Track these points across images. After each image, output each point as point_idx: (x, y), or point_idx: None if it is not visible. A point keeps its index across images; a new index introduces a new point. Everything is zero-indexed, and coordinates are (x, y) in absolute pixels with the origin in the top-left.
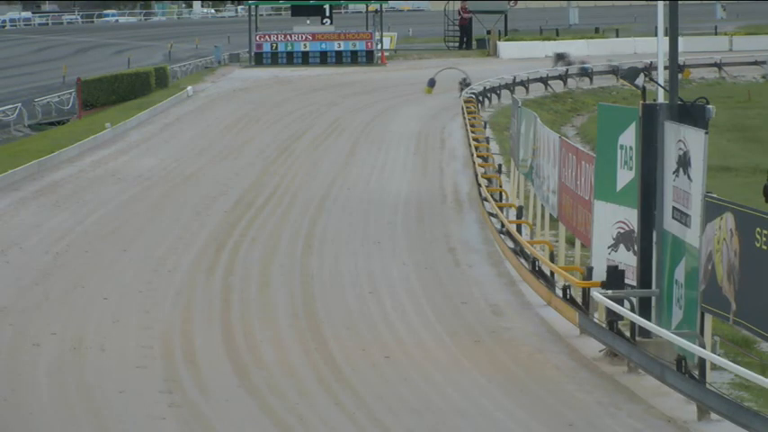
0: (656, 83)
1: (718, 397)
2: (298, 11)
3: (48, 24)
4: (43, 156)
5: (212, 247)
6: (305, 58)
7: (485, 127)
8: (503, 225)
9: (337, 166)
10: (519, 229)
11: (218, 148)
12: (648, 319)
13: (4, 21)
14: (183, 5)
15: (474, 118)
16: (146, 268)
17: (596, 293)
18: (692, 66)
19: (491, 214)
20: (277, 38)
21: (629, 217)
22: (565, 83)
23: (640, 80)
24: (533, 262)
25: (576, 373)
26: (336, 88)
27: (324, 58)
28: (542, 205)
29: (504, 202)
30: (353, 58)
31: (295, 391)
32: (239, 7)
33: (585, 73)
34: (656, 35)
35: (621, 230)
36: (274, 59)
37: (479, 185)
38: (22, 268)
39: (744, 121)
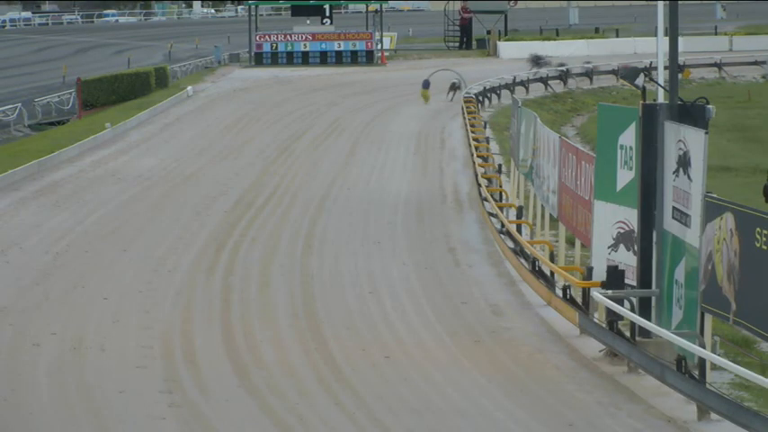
0: (656, 83)
1: (718, 397)
2: (298, 11)
3: (48, 24)
4: (43, 156)
5: (212, 247)
6: (305, 58)
7: (485, 127)
8: (503, 225)
9: (337, 166)
10: (519, 229)
11: (218, 148)
12: (648, 319)
13: (4, 21)
14: (183, 5)
15: (474, 118)
16: (146, 268)
17: (596, 293)
18: (692, 66)
19: (491, 214)
20: (277, 38)
21: (629, 217)
22: (565, 83)
23: (640, 80)
24: (533, 262)
25: (575, 373)
26: (336, 88)
27: (324, 58)
28: (542, 205)
29: (504, 202)
30: (353, 58)
31: (295, 391)
32: (239, 7)
33: (566, 74)
34: (656, 35)
35: (621, 230)
36: (274, 59)
37: (479, 185)
38: (22, 268)
39: (744, 121)
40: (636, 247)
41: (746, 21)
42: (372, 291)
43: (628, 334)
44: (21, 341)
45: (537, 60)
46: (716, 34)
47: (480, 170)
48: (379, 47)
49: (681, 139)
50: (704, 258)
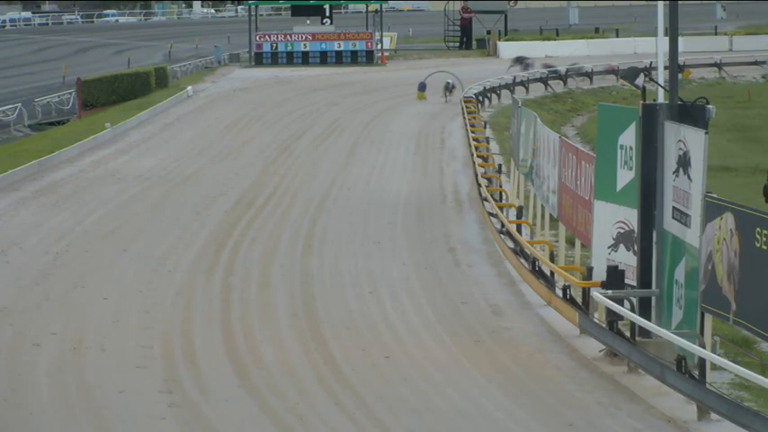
0: (656, 83)
1: (718, 397)
2: (298, 11)
3: (48, 24)
4: (43, 156)
5: (212, 247)
6: (305, 58)
7: (485, 127)
8: (503, 225)
9: (337, 166)
10: (519, 229)
11: (218, 148)
12: (648, 319)
13: (4, 21)
14: (183, 5)
15: (474, 118)
16: (146, 268)
17: (596, 293)
18: (692, 66)
19: (491, 214)
20: (277, 38)
21: (629, 217)
22: (565, 83)
23: (640, 80)
24: (533, 262)
25: (575, 373)
26: (336, 88)
27: (324, 58)
28: (542, 205)
29: (504, 202)
30: (353, 58)
31: (295, 391)
32: (239, 7)
33: (557, 76)
34: (656, 35)
35: (621, 230)
36: (274, 59)
37: (479, 185)
38: (22, 268)
39: (744, 121)
40: (636, 247)
41: (746, 21)
42: (372, 291)
43: (628, 334)
44: (21, 341)
45: (521, 61)
46: (716, 34)
47: (480, 170)
48: (379, 47)
49: (681, 139)
50: (704, 258)
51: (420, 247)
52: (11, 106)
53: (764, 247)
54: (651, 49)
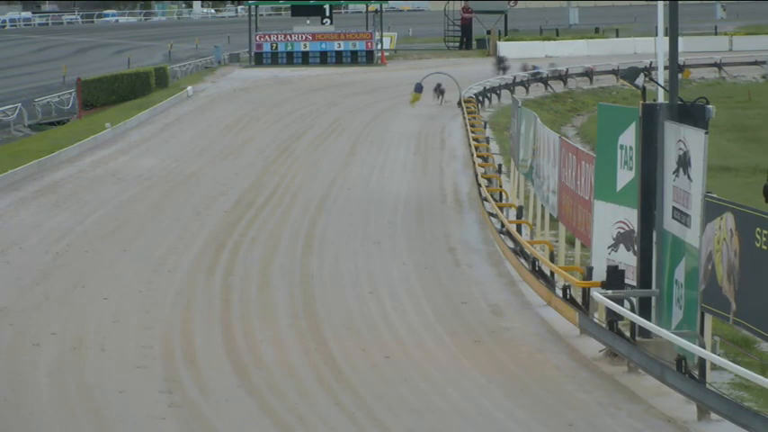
0: (656, 83)
1: (718, 397)
2: (298, 11)
3: (48, 24)
4: (43, 156)
5: (212, 247)
6: (305, 58)
7: (485, 127)
8: (503, 225)
9: (337, 166)
10: (519, 229)
11: (218, 148)
12: (648, 319)
13: (4, 21)
14: (183, 5)
15: (474, 118)
16: (146, 268)
17: (596, 293)
18: (692, 66)
19: (491, 214)
20: (277, 38)
21: (629, 217)
22: (565, 83)
23: (640, 80)
24: (533, 262)
25: (575, 373)
26: (336, 88)
27: (324, 58)
28: (542, 205)
29: (504, 202)
30: (353, 58)
31: (295, 391)
32: (239, 7)
33: (540, 78)
34: (656, 35)
35: (621, 230)
36: (274, 59)
37: (479, 185)
38: (22, 268)
39: (744, 121)
40: (636, 247)
41: (746, 21)
42: (372, 291)
43: (628, 334)
44: (21, 341)
45: (500, 62)
46: (716, 34)
47: (480, 170)
48: (379, 47)
49: (681, 139)
50: (704, 258)
51: (420, 247)
52: (11, 106)
53: (764, 247)
54: (651, 49)
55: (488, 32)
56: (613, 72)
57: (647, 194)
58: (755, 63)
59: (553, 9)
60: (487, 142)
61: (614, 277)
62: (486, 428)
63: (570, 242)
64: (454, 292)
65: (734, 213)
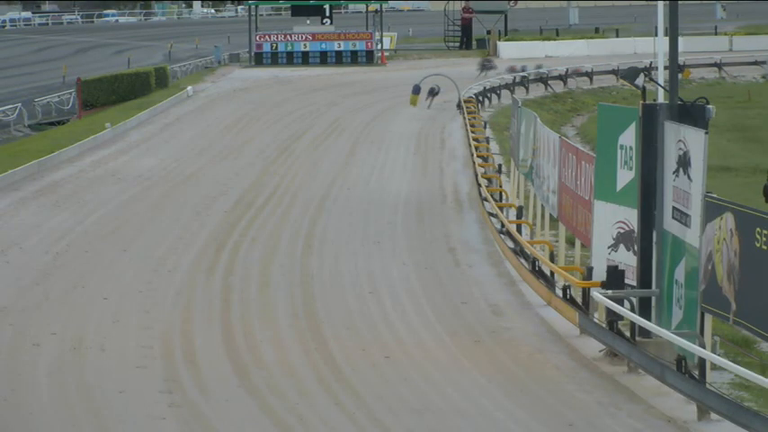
0: (656, 83)
1: (718, 397)
2: (298, 11)
3: (48, 24)
4: (43, 156)
5: (212, 247)
6: (305, 58)
7: (485, 127)
8: (503, 225)
9: (337, 166)
10: (519, 229)
11: (218, 148)
12: (648, 319)
13: (4, 21)
14: (183, 5)
15: (474, 118)
16: (146, 268)
17: (596, 293)
18: (692, 66)
19: (491, 214)
20: (277, 38)
21: (629, 217)
22: (565, 83)
23: (640, 80)
24: (533, 262)
25: (575, 373)
26: (336, 88)
27: (324, 58)
28: (542, 205)
29: (504, 202)
30: (353, 58)
31: (295, 391)
32: (239, 7)
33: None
34: (656, 35)
35: (621, 230)
36: (274, 59)
37: (479, 185)
38: (22, 268)
39: (744, 121)
40: (636, 247)
41: (746, 21)
42: (372, 291)
43: (628, 334)
44: (21, 341)
45: (484, 64)
46: (716, 34)
47: (480, 170)
48: (379, 47)
49: (681, 139)
50: (704, 258)
51: (420, 247)
52: (11, 106)
53: (764, 247)
54: (651, 49)
55: (488, 32)
56: (613, 72)
57: (647, 194)
58: (755, 63)
59: (553, 9)
60: (487, 142)
61: (614, 277)
62: (486, 428)
63: (570, 242)
64: (454, 292)
65: (734, 213)
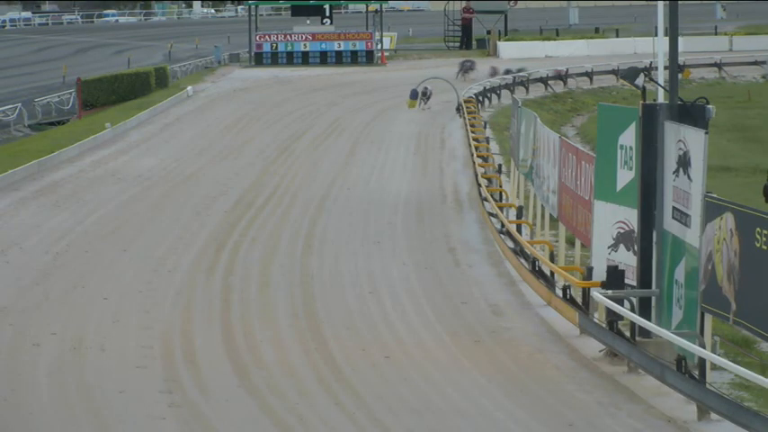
0: (656, 83)
1: (718, 397)
2: (298, 11)
3: (48, 24)
4: (43, 156)
5: (212, 247)
6: (305, 58)
7: (485, 127)
8: (503, 225)
9: (337, 166)
10: (519, 229)
11: (218, 148)
12: (648, 319)
13: (4, 21)
14: (183, 5)
15: (474, 118)
16: (146, 268)
17: (596, 293)
18: (692, 66)
19: (491, 214)
20: (277, 38)
21: (629, 217)
22: (565, 83)
23: (640, 80)
24: (533, 262)
25: (575, 373)
26: (336, 88)
27: (324, 58)
28: (542, 205)
29: (504, 202)
30: (353, 58)
31: (295, 391)
32: (239, 7)
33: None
34: (656, 35)
35: (621, 230)
36: (274, 59)
37: (479, 185)
38: (22, 268)
39: (744, 121)
40: (636, 247)
41: (746, 21)
42: (372, 291)
43: (628, 334)
44: (21, 341)
45: (464, 65)
46: (716, 34)
47: (480, 170)
48: (379, 47)
49: (681, 139)
50: (704, 258)
51: (420, 247)
52: (11, 106)
53: (764, 247)
54: (651, 49)
55: (488, 32)
56: (613, 72)
57: (647, 194)
58: (755, 63)
59: (553, 9)
60: (487, 142)
61: (614, 277)
62: (486, 428)
63: (570, 242)
64: (454, 292)
65: (734, 213)
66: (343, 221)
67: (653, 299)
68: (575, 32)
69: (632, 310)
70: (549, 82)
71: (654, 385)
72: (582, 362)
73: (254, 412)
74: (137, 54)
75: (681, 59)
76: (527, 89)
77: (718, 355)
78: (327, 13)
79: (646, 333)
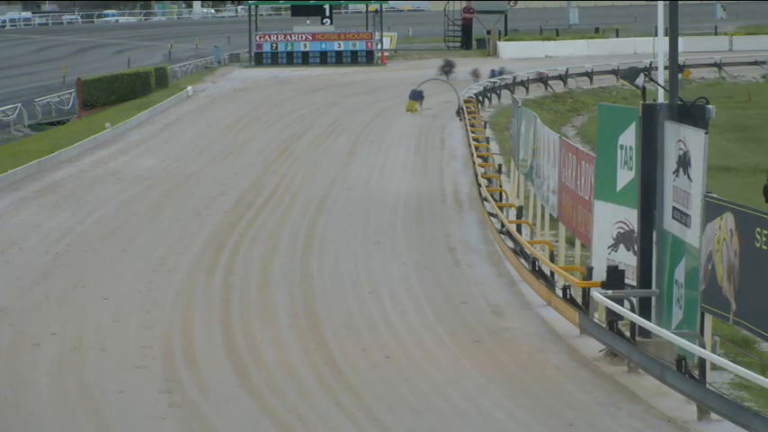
0: (656, 83)
1: (718, 397)
2: (298, 11)
3: (48, 24)
4: (43, 156)
5: (212, 247)
6: (305, 58)
7: (485, 127)
8: (503, 225)
9: (337, 165)
10: (519, 229)
11: (218, 148)
12: (648, 319)
13: (4, 21)
14: (183, 5)
15: (474, 118)
16: (146, 268)
17: (596, 293)
18: (692, 66)
19: (491, 214)
20: (277, 38)
21: (629, 217)
22: (565, 82)
23: (640, 80)
24: (533, 262)
25: (575, 373)
26: (336, 88)
27: (324, 58)
28: (542, 205)
29: (504, 202)
30: (353, 58)
31: (295, 391)
32: (239, 7)
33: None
34: (656, 35)
35: (621, 230)
36: (274, 59)
37: (479, 185)
38: (22, 268)
39: (744, 121)
40: (636, 247)
41: (746, 21)
42: (372, 291)
43: (628, 334)
44: (21, 341)
45: (445, 66)
46: (716, 34)
47: (480, 170)
48: (379, 47)
49: (681, 139)
50: (704, 258)
51: (420, 247)
52: (11, 106)
53: (764, 247)
54: (651, 49)
55: (488, 32)
56: (613, 72)
57: (647, 194)
58: (755, 63)
59: (553, 9)
60: (487, 142)
61: (614, 277)
62: (486, 428)
63: (570, 242)
64: (454, 292)
65: (734, 213)
66: (343, 221)
67: (653, 299)
68: (575, 32)
69: (632, 310)
70: (550, 82)
71: (654, 385)
72: (582, 362)
73: (254, 412)
74: (137, 54)
75: (681, 59)
76: (527, 89)
77: (718, 355)
78: (327, 13)
79: (646, 333)
